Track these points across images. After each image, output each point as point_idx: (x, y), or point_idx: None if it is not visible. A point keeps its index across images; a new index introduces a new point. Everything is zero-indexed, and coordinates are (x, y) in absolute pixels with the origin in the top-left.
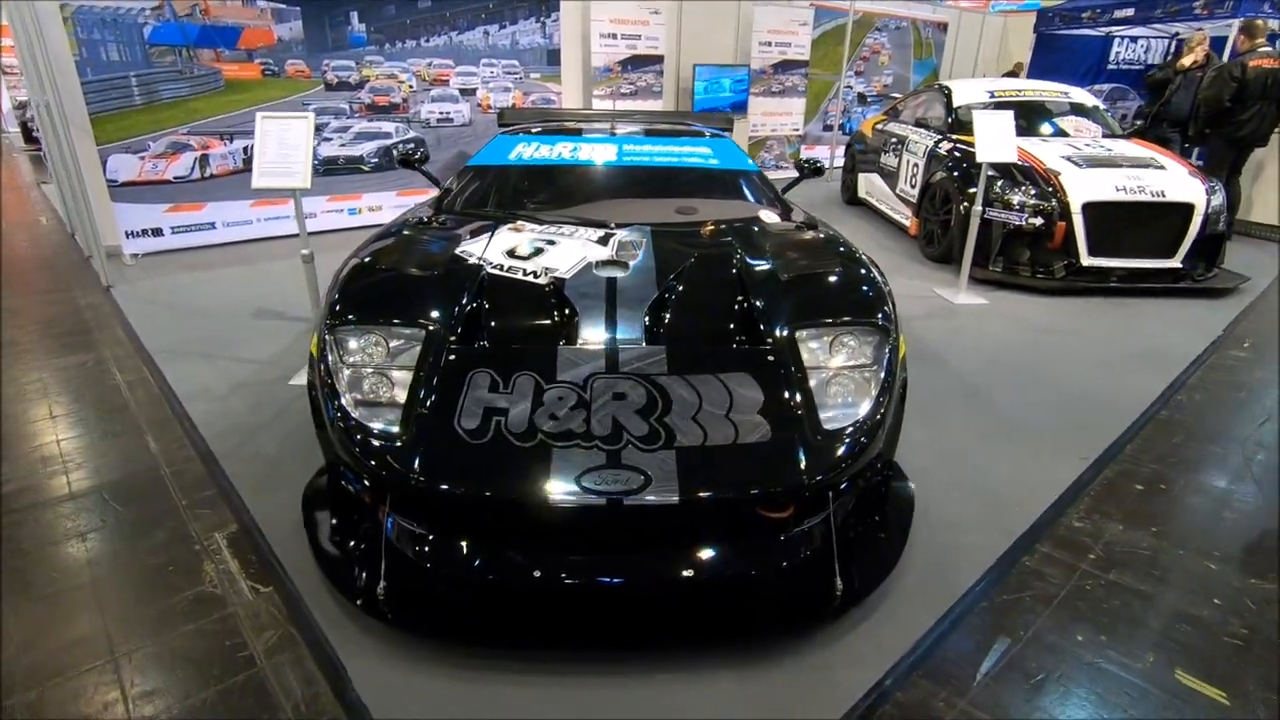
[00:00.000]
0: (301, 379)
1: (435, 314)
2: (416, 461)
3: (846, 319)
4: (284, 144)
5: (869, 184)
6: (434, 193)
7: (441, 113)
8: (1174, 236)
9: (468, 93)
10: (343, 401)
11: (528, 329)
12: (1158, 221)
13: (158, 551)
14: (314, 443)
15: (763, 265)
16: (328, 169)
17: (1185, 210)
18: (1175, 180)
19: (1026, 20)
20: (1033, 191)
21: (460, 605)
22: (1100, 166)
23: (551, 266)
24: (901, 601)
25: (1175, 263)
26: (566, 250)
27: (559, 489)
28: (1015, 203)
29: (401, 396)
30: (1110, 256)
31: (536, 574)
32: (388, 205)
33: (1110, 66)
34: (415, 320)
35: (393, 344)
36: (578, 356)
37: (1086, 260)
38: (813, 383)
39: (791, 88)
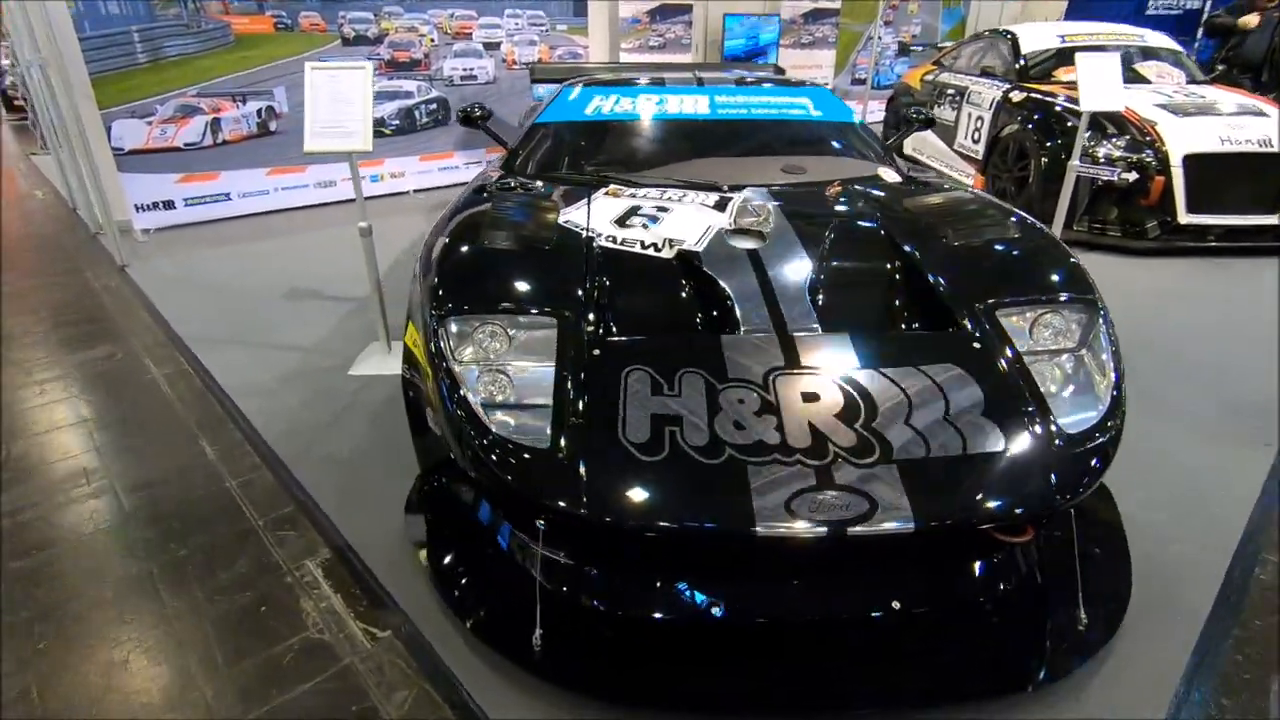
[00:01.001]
0: (363, 368)
1: (561, 297)
2: (582, 486)
3: (1056, 295)
4: (338, 98)
5: (918, 140)
6: (458, 162)
7: (465, 69)
8: (1278, 190)
9: (491, 47)
10: (475, 409)
11: (665, 314)
12: (1262, 174)
13: (242, 587)
14: (393, 444)
15: (923, 233)
16: None
17: None
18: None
19: None
20: (1123, 143)
21: (637, 657)
22: (1200, 115)
23: (675, 237)
24: (1133, 633)
25: (1276, 219)
26: (685, 218)
27: (766, 518)
28: (1104, 156)
29: (542, 401)
30: (1210, 213)
31: (734, 618)
32: (411, 171)
33: (1150, 12)
34: (541, 306)
35: (517, 335)
36: (747, 348)
37: (1184, 218)
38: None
39: (822, 39)
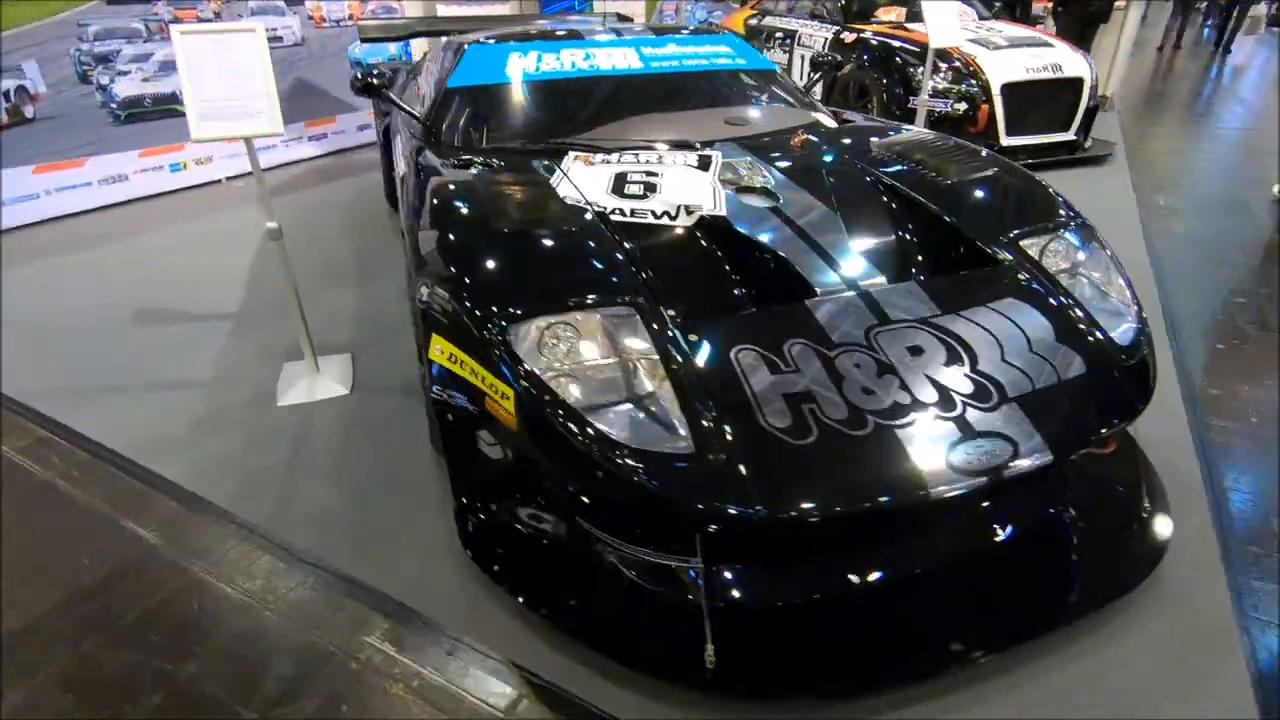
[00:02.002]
0: (293, 397)
1: (618, 282)
2: (749, 486)
3: (1057, 220)
4: (230, 71)
5: None
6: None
7: (268, 29)
8: (1067, 110)
9: (294, 2)
10: (588, 417)
11: (706, 284)
12: (1057, 96)
13: (300, 695)
14: (383, 475)
15: (914, 175)
16: (130, 113)
17: (1077, 84)
18: (1066, 56)
19: None
20: (950, 77)
21: (813, 647)
22: (1008, 48)
23: (688, 203)
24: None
25: (1070, 135)
26: (680, 180)
27: (935, 479)
28: (927, 87)
29: (643, 397)
30: (1023, 134)
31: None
32: (219, 156)
33: None
34: (608, 294)
35: (593, 330)
36: (836, 310)
37: (1005, 141)
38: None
39: None
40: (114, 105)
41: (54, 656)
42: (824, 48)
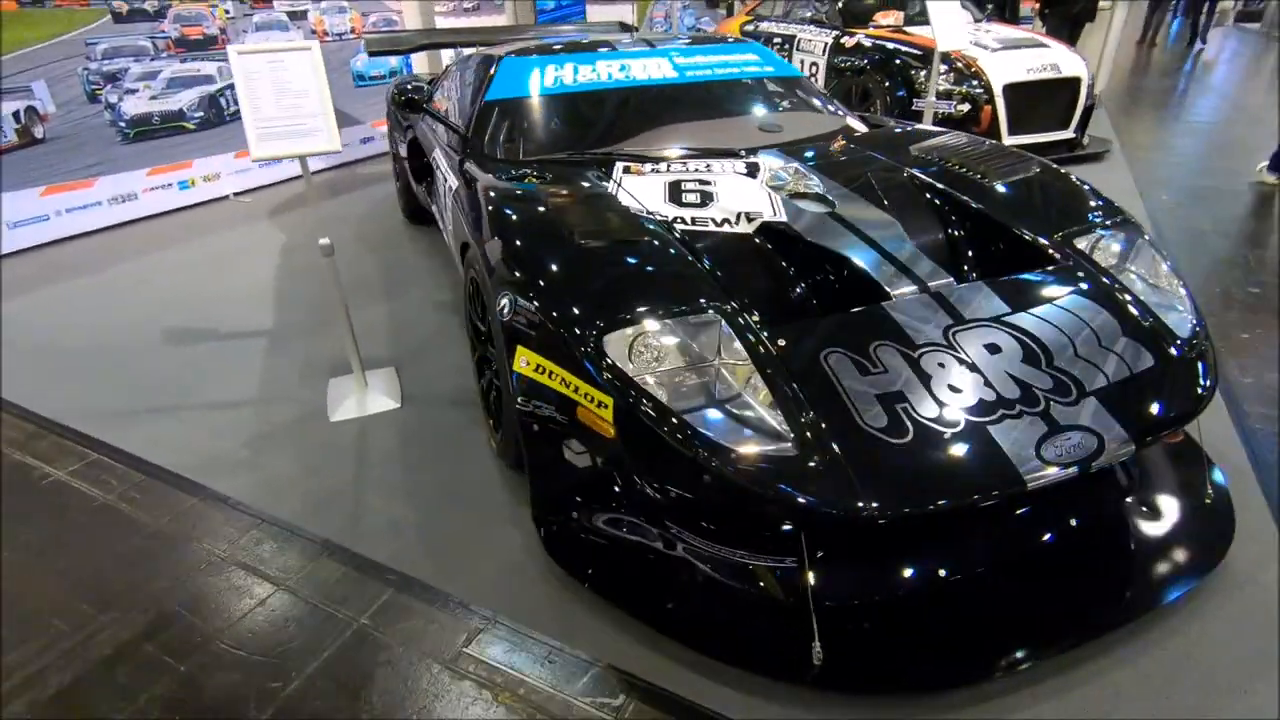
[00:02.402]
0: (345, 412)
1: (700, 289)
2: (856, 485)
3: (1100, 219)
4: (285, 90)
5: None
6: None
7: None
8: (1066, 109)
9: (296, 16)
10: (690, 422)
11: (773, 288)
12: (1056, 96)
13: (396, 709)
14: (454, 485)
15: (958, 177)
16: (139, 131)
17: (1075, 84)
18: (1063, 56)
19: None
20: (952, 79)
21: (912, 641)
22: (1005, 49)
23: (748, 210)
24: None
25: (1070, 133)
26: (735, 189)
27: (1031, 471)
28: (941, 91)
29: (754, 402)
30: (1024, 134)
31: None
32: (227, 172)
33: None
34: (691, 302)
35: (682, 337)
36: (913, 311)
37: (1007, 140)
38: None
39: None
40: (122, 123)
41: (154, 679)
42: (823, 52)
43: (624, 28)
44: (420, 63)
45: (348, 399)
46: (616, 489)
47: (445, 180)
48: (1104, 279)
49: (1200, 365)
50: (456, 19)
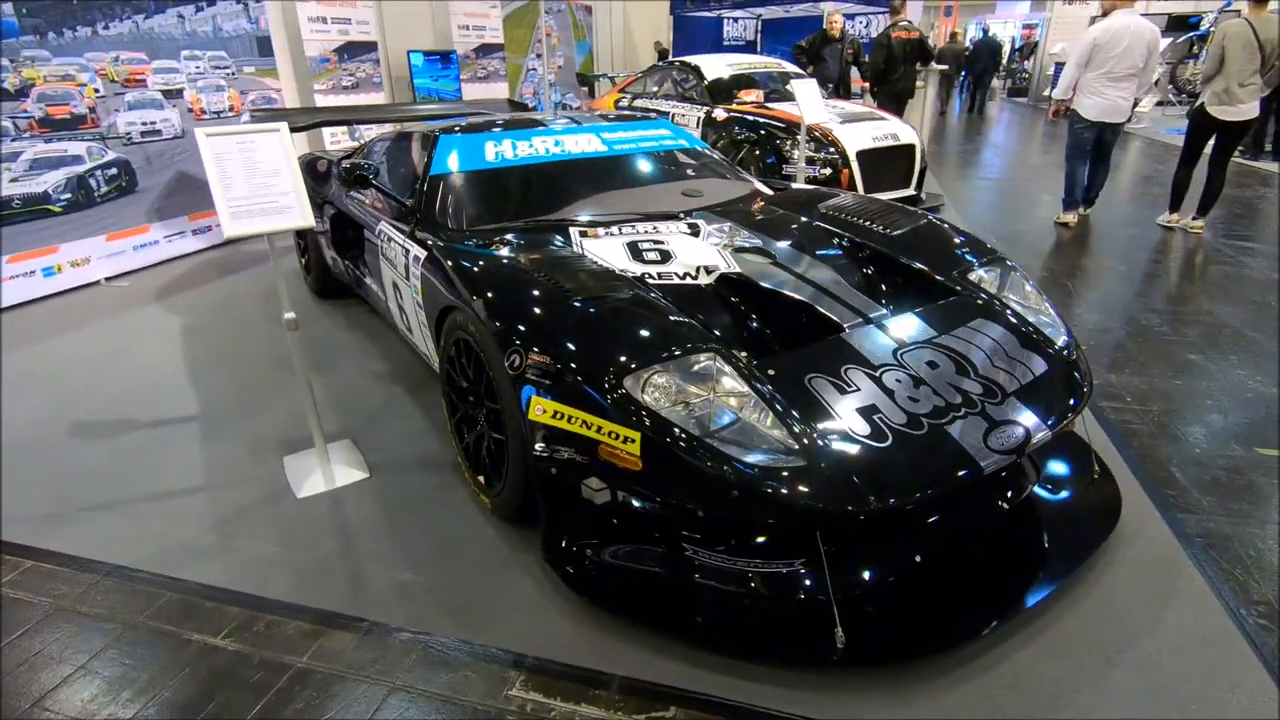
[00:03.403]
0: (311, 488)
1: (689, 332)
2: (857, 485)
3: (979, 257)
4: (256, 169)
5: None
6: (156, 236)
7: (145, 123)
8: (906, 170)
9: (172, 94)
10: (714, 445)
11: (736, 330)
12: (898, 160)
13: None
14: (448, 543)
15: (863, 228)
16: None
17: (911, 150)
18: (899, 127)
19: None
20: (814, 147)
21: (907, 604)
22: (852, 121)
23: (706, 264)
24: None
25: (911, 190)
26: (688, 247)
27: (984, 458)
28: (803, 157)
29: (757, 423)
30: (876, 192)
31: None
32: (97, 255)
33: (725, 42)
34: (688, 343)
35: (684, 374)
36: (865, 339)
37: None
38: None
39: (494, 72)
40: None
41: None
42: (697, 125)
43: (513, 105)
44: (300, 142)
45: (312, 474)
46: (638, 515)
47: (405, 251)
48: (996, 303)
49: (1079, 365)
50: (336, 96)
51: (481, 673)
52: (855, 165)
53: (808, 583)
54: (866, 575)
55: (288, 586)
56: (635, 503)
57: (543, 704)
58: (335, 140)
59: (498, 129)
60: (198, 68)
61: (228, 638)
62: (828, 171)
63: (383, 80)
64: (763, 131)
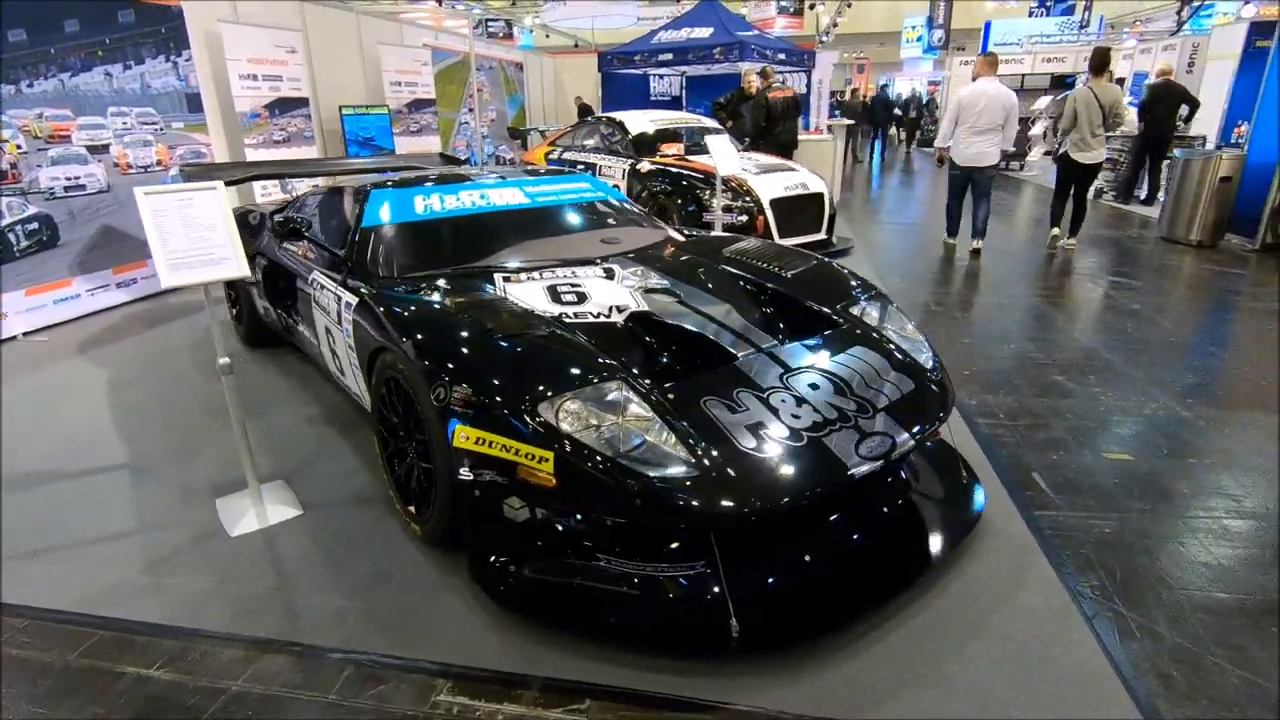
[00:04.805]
0: (245, 526)
1: (599, 364)
2: (747, 490)
3: (862, 294)
4: (193, 224)
5: None
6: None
7: (69, 178)
8: (816, 216)
9: (98, 150)
10: (623, 462)
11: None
12: (808, 207)
13: None
14: (380, 566)
15: (761, 270)
16: None
17: (820, 198)
18: (808, 177)
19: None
20: (729, 196)
21: (794, 594)
22: (766, 172)
23: (618, 304)
24: None
25: (822, 235)
26: (602, 289)
27: (854, 465)
28: (722, 206)
29: (661, 442)
30: (790, 237)
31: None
32: (15, 310)
33: (652, 97)
34: (599, 373)
35: (594, 400)
36: (756, 366)
37: (780, 242)
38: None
39: (426, 125)
40: None
41: None
42: (622, 176)
43: (445, 159)
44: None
45: (245, 514)
46: (556, 530)
47: (338, 298)
48: (873, 334)
49: (942, 387)
50: (268, 150)
51: (411, 683)
52: (770, 213)
53: (707, 582)
54: (759, 572)
55: (222, 618)
56: (552, 519)
57: (468, 706)
58: (266, 192)
59: (427, 184)
60: (125, 124)
61: (162, 668)
62: (744, 219)
63: (314, 134)
64: (684, 182)
